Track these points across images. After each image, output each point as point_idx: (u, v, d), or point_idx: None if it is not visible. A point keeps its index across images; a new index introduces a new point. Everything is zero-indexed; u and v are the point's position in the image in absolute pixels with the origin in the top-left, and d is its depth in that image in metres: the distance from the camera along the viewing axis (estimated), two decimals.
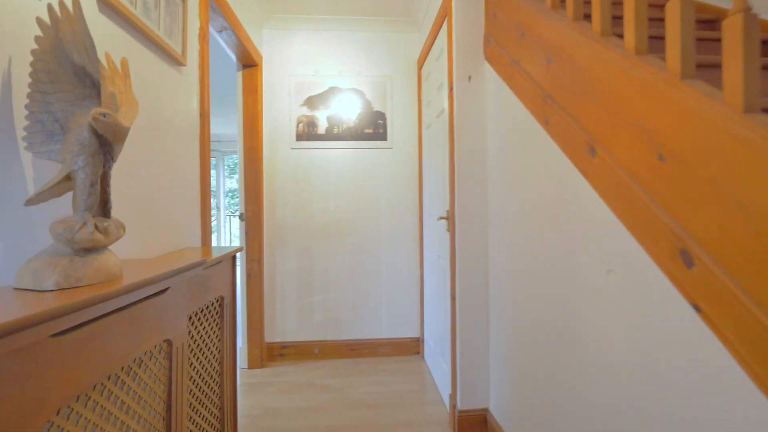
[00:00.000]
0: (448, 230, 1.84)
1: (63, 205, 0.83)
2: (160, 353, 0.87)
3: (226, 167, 6.34)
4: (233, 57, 2.28)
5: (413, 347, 2.58)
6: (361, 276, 2.56)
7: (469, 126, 1.69)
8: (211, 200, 6.60)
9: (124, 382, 0.74)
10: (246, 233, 2.40)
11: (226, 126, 5.32)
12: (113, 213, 0.97)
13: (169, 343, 0.90)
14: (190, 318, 1.08)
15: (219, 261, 1.24)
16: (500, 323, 1.53)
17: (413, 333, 2.59)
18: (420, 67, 2.54)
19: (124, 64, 0.85)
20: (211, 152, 5.94)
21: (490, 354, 1.65)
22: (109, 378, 0.69)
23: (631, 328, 0.83)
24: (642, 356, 0.79)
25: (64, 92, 0.69)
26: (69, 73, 0.69)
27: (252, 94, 2.37)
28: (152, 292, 0.82)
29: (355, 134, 2.55)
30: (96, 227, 0.69)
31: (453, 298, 1.74)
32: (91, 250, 0.69)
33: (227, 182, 6.58)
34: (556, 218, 1.11)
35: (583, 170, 0.98)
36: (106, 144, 0.71)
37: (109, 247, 0.90)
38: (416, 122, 2.60)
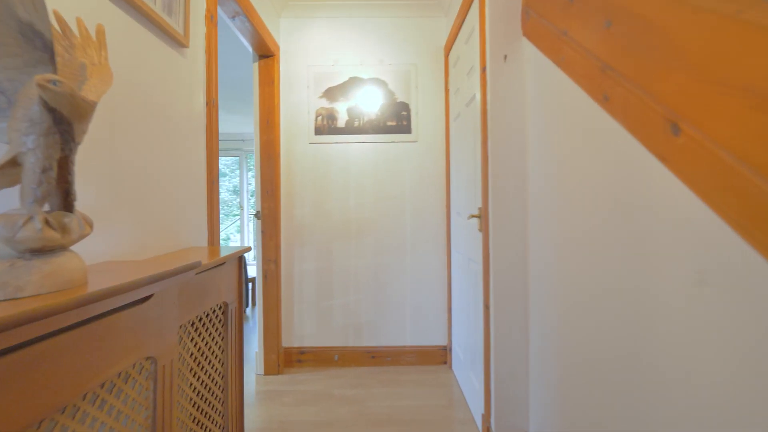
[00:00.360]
0: (480, 230, 1.65)
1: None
2: (140, 373, 0.73)
3: (251, 167, 6.34)
4: (249, 47, 2.17)
5: (440, 356, 2.39)
6: (383, 278, 2.40)
7: (505, 111, 1.49)
8: (236, 200, 6.63)
9: (87, 413, 0.60)
10: (262, 232, 2.28)
11: (250, 125, 5.29)
12: (102, 209, 0.85)
13: (152, 360, 0.76)
14: (185, 328, 0.94)
15: (221, 263, 1.10)
16: (543, 338, 1.33)
17: (440, 341, 2.40)
18: (447, 54, 2.34)
19: (100, 32, 0.72)
20: (234, 151, 5.95)
21: (529, 372, 1.45)
22: (63, 411, 0.56)
23: (736, 361, 0.62)
24: (759, 404, 0.59)
25: (10, 56, 0.56)
26: (14, 32, 0.55)
27: (268, 85, 2.25)
28: (128, 301, 0.68)
29: (377, 127, 2.39)
30: (48, 223, 0.55)
31: (486, 307, 1.55)
32: (40, 251, 0.55)
33: (252, 182, 6.58)
34: (622, 215, 0.90)
35: (661, 154, 0.77)
36: (62, 121, 0.57)
37: (98, 248, 0.77)
38: (443, 113, 2.41)
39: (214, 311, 1.09)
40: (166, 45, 1.12)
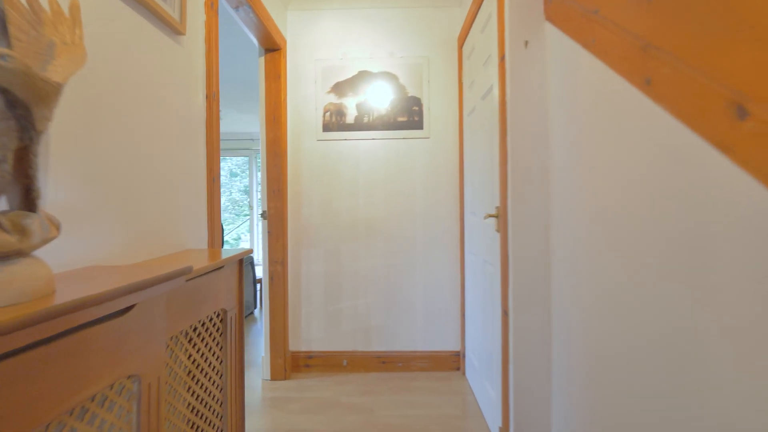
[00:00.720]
0: (497, 230, 1.53)
1: None
2: (120, 395, 0.65)
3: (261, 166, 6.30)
4: (254, 40, 2.09)
5: (452, 362, 2.29)
6: (394, 281, 2.30)
7: (526, 102, 1.38)
8: (247, 200, 6.60)
9: None
10: (269, 232, 2.20)
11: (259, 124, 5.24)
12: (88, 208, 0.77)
13: (135, 379, 0.68)
14: (177, 340, 0.86)
15: (218, 266, 1.02)
16: (569, 349, 1.21)
17: (452, 346, 2.29)
18: (460, 46, 2.23)
19: (74, 7, 0.63)
20: (244, 151, 5.92)
21: (552, 384, 1.33)
22: None
23: None
24: None
25: None
26: None
27: (275, 80, 2.17)
28: (104, 314, 0.60)
29: (388, 123, 2.29)
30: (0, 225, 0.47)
31: (505, 313, 1.44)
32: None
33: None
34: (669, 214, 0.79)
35: (723, 142, 0.66)
36: (18, 105, 0.49)
37: (79, 251, 0.69)
38: (456, 108, 2.30)
39: (211, 319, 1.01)
40: (159, 31, 1.04)
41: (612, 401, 0.98)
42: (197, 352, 0.95)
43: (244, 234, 6.73)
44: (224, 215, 6.95)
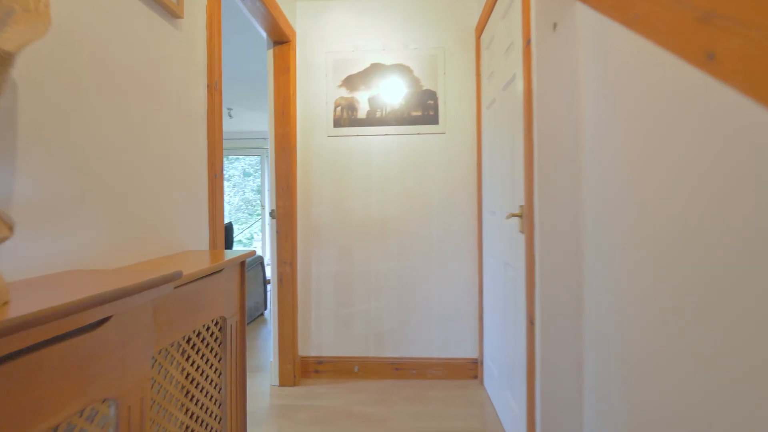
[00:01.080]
0: (521, 231, 1.41)
1: None
2: (92, 422, 0.56)
3: None
4: (262, 32, 2.00)
5: (470, 370, 2.16)
6: (408, 283, 2.19)
7: (554, 90, 1.25)
8: (258, 199, 6.58)
9: None
10: (277, 232, 2.12)
11: None
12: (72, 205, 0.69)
13: (111, 403, 0.59)
14: (166, 353, 0.77)
15: (216, 270, 0.93)
16: (608, 365, 1.08)
17: (470, 353, 2.17)
18: (478, 36, 2.11)
19: None
20: (256, 150, 5.88)
21: (584, 401, 1.21)
22: None
23: None
24: None
25: None
26: None
27: (284, 74, 2.09)
28: (71, 328, 0.51)
29: (401, 118, 2.18)
30: None
31: (531, 322, 1.31)
32: None
33: None
34: (744, 210, 0.66)
35: None
36: None
37: (58, 253, 0.60)
38: (474, 101, 2.17)
39: (207, 328, 0.92)
40: (153, 12, 0.95)
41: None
42: (192, 365, 0.86)
43: (257, 233, 6.72)
44: (238, 215, 6.96)
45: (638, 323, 0.93)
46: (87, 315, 0.53)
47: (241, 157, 6.59)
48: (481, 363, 2.11)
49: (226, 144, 5.84)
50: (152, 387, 0.72)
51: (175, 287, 0.76)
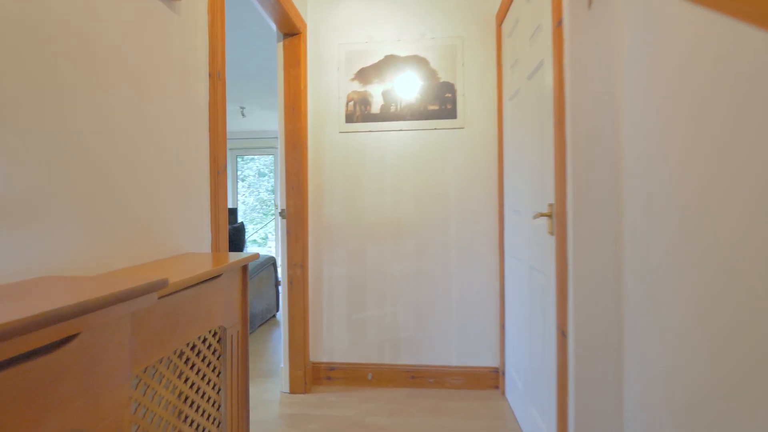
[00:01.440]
0: (551, 233, 1.28)
1: None
2: None
3: None
4: (272, 24, 1.92)
5: (491, 380, 2.04)
6: (424, 286, 2.08)
7: (589, 75, 1.12)
8: (271, 199, 6.55)
9: None
10: (287, 233, 2.03)
11: None
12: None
13: None
14: (154, 371, 0.68)
15: (214, 275, 0.83)
16: (650, 390, 0.95)
17: (490, 362, 2.04)
18: (499, 23, 1.98)
19: None
20: (270, 149, 5.85)
21: (624, 426, 1.07)
22: None
23: None
24: None
25: None
26: None
27: (294, 67, 2.00)
28: (21, 351, 0.42)
29: (417, 112, 2.07)
30: None
31: (563, 334, 1.18)
32: None
33: None
34: None
35: None
36: None
37: (29, 256, 0.51)
38: (494, 93, 2.04)
39: (204, 340, 0.83)
40: None
41: None
42: (186, 383, 0.76)
43: (272, 233, 6.69)
44: (252, 215, 6.95)
45: (690, 340, 0.79)
46: (44, 334, 0.44)
47: (255, 157, 6.57)
48: (503, 373, 1.98)
49: (240, 144, 5.83)
50: (135, 411, 0.63)
51: (162, 297, 0.67)
